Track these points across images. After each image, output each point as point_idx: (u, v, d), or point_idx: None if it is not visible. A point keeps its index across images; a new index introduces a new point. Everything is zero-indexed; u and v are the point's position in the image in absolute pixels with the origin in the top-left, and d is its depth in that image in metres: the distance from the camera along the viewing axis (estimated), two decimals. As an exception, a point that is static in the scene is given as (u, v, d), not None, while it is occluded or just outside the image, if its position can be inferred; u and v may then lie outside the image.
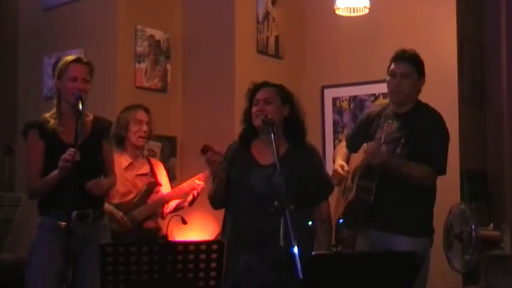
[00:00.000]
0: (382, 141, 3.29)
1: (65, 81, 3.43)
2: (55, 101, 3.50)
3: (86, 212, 3.40)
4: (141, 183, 4.18)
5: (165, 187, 4.33)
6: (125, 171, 4.15)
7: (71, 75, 3.42)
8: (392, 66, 3.54)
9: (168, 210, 4.28)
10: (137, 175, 4.20)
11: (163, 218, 4.26)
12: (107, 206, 3.79)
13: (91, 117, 3.54)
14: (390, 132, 3.34)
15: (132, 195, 4.14)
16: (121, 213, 4.02)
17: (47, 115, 3.47)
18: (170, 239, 4.28)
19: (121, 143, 4.22)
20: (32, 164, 3.42)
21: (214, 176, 3.38)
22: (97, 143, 3.50)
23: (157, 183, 4.24)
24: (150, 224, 4.15)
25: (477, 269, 4.08)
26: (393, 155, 3.35)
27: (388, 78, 3.56)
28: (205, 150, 3.24)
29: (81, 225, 3.37)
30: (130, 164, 4.20)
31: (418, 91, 3.58)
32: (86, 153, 3.26)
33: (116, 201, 4.08)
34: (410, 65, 3.50)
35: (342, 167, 3.60)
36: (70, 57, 3.52)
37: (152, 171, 4.29)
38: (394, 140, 3.31)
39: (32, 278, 3.38)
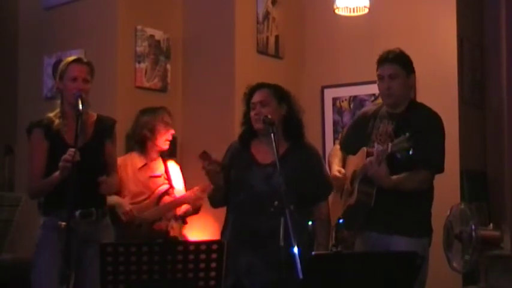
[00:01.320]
0: (389, 150, 3.23)
1: (66, 82, 3.43)
2: (58, 101, 3.50)
3: (90, 210, 3.41)
4: (154, 185, 4.18)
5: (179, 190, 4.30)
6: (139, 171, 4.16)
7: (71, 75, 3.42)
8: (379, 70, 3.54)
9: (179, 214, 4.27)
10: (150, 177, 4.20)
11: (176, 219, 4.24)
12: (116, 198, 3.78)
13: (94, 117, 3.54)
14: (399, 141, 3.24)
15: (144, 196, 4.15)
16: (130, 206, 4.02)
17: (51, 115, 3.46)
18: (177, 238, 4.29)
19: (142, 144, 4.21)
20: (34, 163, 3.42)
21: (212, 183, 3.39)
22: (100, 143, 3.50)
23: (170, 187, 4.23)
24: (159, 226, 4.14)
25: (477, 269, 4.07)
26: (388, 176, 3.30)
27: (377, 82, 3.56)
28: (203, 157, 3.25)
29: (84, 224, 3.37)
30: (145, 165, 4.20)
31: (410, 88, 3.57)
32: (88, 153, 3.26)
33: (127, 200, 4.09)
34: (395, 65, 3.49)
35: (339, 171, 3.60)
36: (70, 58, 3.52)
37: (166, 173, 4.28)
38: (402, 150, 3.21)
39: (38, 279, 3.38)
